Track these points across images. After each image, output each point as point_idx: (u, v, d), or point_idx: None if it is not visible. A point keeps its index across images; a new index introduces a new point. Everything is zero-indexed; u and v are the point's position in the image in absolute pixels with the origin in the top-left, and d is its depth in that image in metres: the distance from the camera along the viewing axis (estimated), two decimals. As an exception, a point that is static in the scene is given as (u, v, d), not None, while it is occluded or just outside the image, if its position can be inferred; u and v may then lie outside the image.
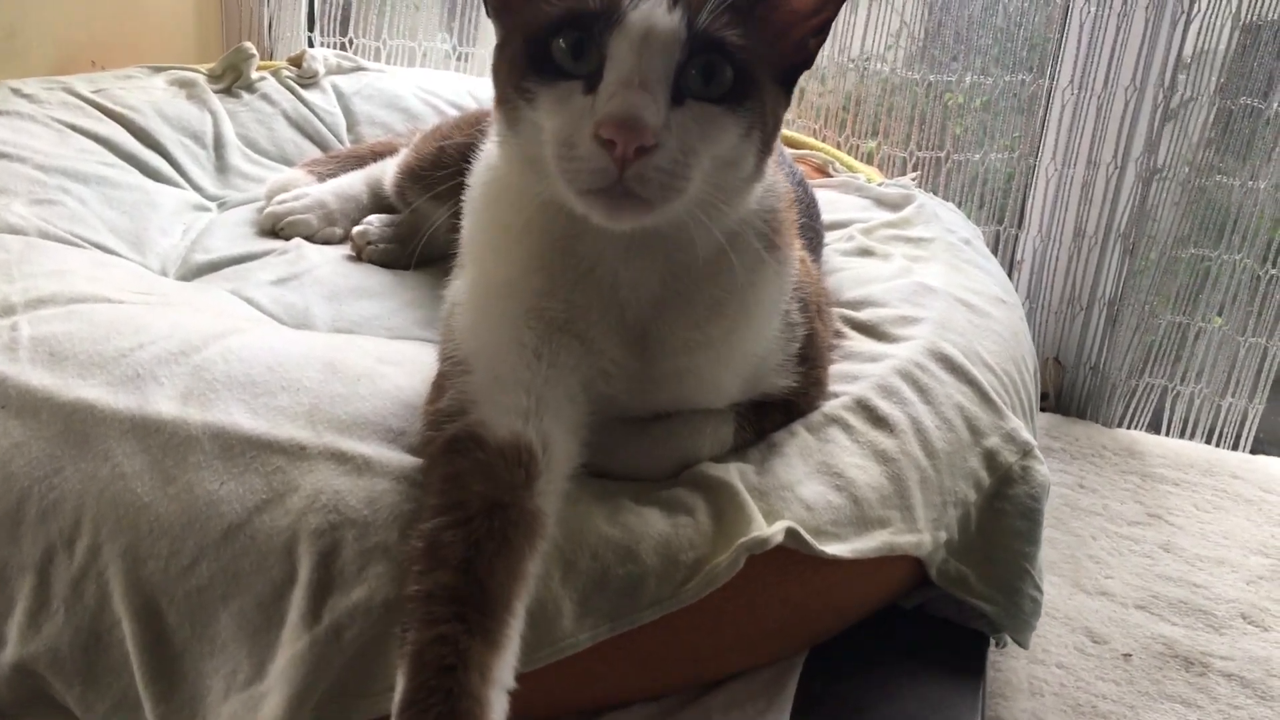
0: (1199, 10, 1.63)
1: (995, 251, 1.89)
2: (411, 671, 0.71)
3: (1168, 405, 1.92)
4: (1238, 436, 1.90)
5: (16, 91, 1.50)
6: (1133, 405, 1.92)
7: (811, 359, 1.01)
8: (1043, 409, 1.96)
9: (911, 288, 1.24)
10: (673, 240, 0.83)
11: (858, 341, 1.15)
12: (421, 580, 0.75)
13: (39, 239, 1.17)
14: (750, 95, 0.79)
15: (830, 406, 1.02)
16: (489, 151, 0.92)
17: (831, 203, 1.53)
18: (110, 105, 1.54)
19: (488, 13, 0.85)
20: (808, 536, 0.88)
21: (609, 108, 0.73)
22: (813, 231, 1.23)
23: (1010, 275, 1.92)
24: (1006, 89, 1.80)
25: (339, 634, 0.78)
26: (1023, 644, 1.05)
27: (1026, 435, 1.09)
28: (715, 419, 0.95)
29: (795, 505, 0.91)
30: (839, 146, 1.88)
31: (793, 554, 0.89)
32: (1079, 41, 1.73)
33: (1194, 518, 1.69)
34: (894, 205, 1.53)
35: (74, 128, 1.46)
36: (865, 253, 1.38)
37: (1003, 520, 1.04)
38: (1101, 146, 1.77)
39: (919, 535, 0.96)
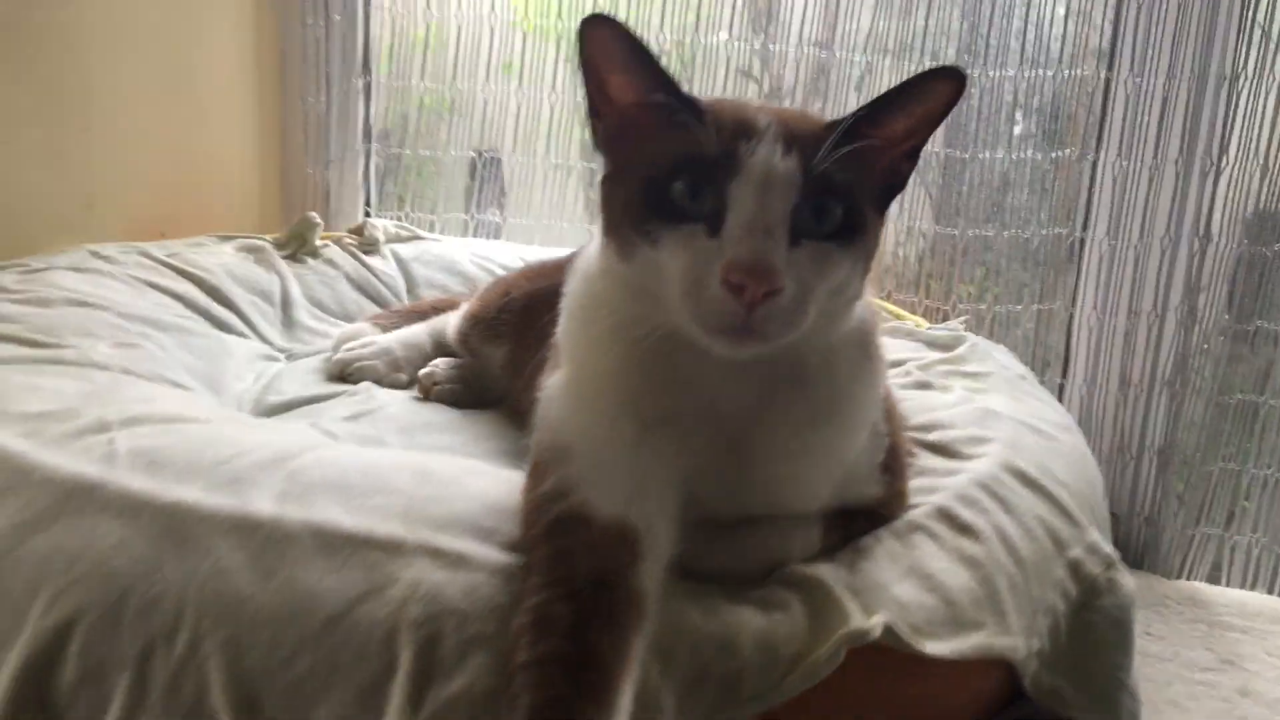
0: (1227, 162, 1.70)
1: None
2: None
3: (1226, 555, 1.90)
4: (1301, 586, 1.86)
5: (95, 254, 1.56)
6: (1190, 556, 1.90)
7: (895, 470, 1.02)
8: (1100, 563, 1.94)
9: (977, 413, 1.26)
10: (778, 359, 0.85)
11: (930, 459, 1.16)
12: (532, 650, 0.75)
13: (124, 376, 1.20)
14: (858, 229, 0.82)
15: (912, 515, 1.02)
16: (589, 262, 0.93)
17: (887, 347, 1.56)
18: (183, 266, 1.60)
19: (594, 144, 0.89)
20: (905, 633, 0.87)
21: (738, 254, 0.76)
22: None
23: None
24: (1043, 242, 1.86)
25: (441, 724, 0.77)
26: (1122, 756, 1.02)
27: (1108, 548, 1.09)
28: (804, 522, 0.95)
29: (890, 604, 0.90)
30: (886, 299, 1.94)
31: (889, 655, 0.87)
32: (1112, 195, 1.80)
33: (1268, 664, 1.64)
34: (946, 346, 1.56)
35: (150, 284, 1.51)
36: (924, 386, 1.40)
37: (1093, 632, 1.03)
38: (1141, 295, 1.81)
39: (1014, 640, 0.95)
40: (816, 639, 0.85)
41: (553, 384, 0.94)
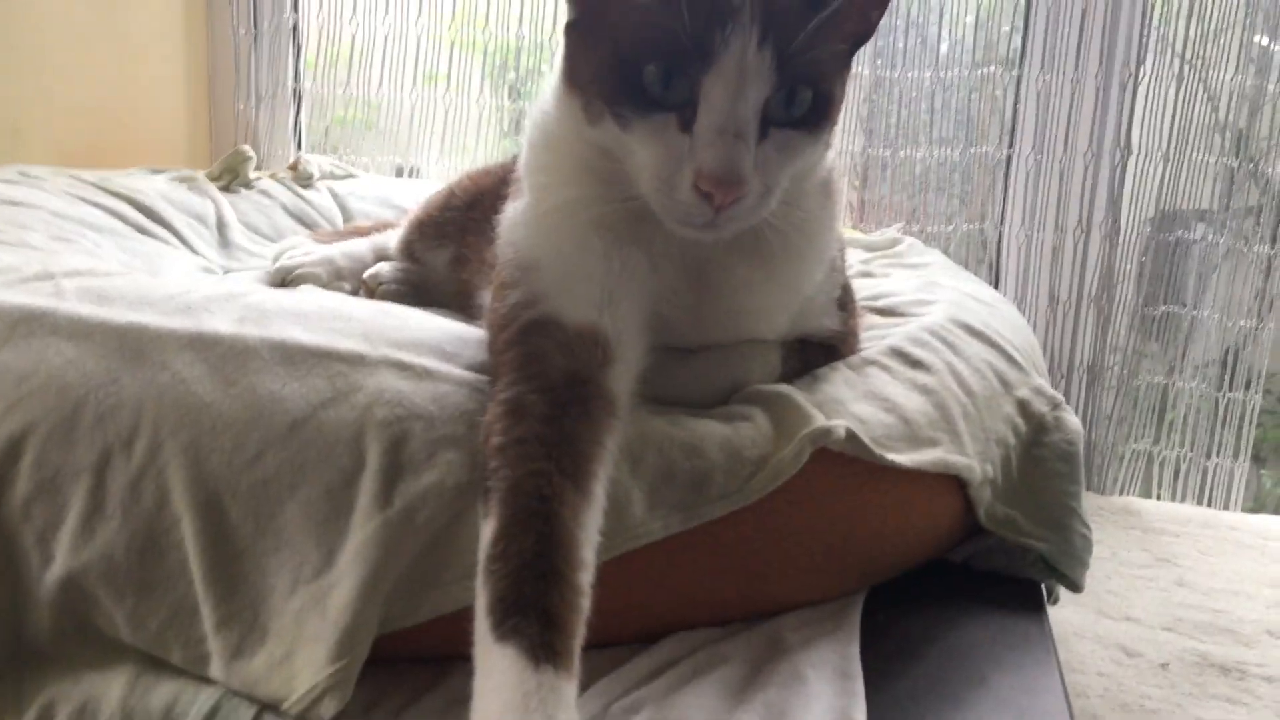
0: (1145, 74, 1.76)
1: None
2: (505, 502, 0.71)
3: (1155, 470, 1.95)
4: (1227, 497, 1.92)
5: (24, 173, 1.52)
6: (1122, 472, 1.94)
7: (848, 307, 1.04)
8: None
9: (921, 283, 1.29)
10: None
11: (879, 319, 1.18)
12: (509, 432, 0.75)
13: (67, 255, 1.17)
14: (828, 110, 0.82)
15: (865, 353, 1.04)
16: (547, 107, 0.91)
17: (842, 184, 1.59)
18: (115, 188, 1.57)
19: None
20: (867, 440, 0.88)
21: (709, 162, 0.76)
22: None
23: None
24: (972, 160, 1.90)
25: (412, 515, 0.76)
26: (1077, 583, 1.04)
27: (1053, 391, 1.11)
28: (763, 347, 0.96)
29: (849, 418, 0.91)
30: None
31: (851, 464, 0.89)
32: (1036, 111, 1.85)
33: (1201, 560, 1.69)
34: (884, 248, 1.59)
35: (82, 199, 1.48)
36: (866, 275, 1.42)
37: (1043, 465, 1.05)
38: (1066, 211, 1.86)
39: (969, 460, 0.97)
40: (780, 442, 0.86)
41: (515, 209, 0.93)
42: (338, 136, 2.16)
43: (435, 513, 0.76)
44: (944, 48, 1.88)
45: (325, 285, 1.44)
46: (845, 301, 1.03)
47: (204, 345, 0.84)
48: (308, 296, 0.97)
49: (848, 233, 1.78)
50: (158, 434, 0.79)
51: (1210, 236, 1.83)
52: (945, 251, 1.91)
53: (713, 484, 0.83)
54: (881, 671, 0.84)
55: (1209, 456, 1.91)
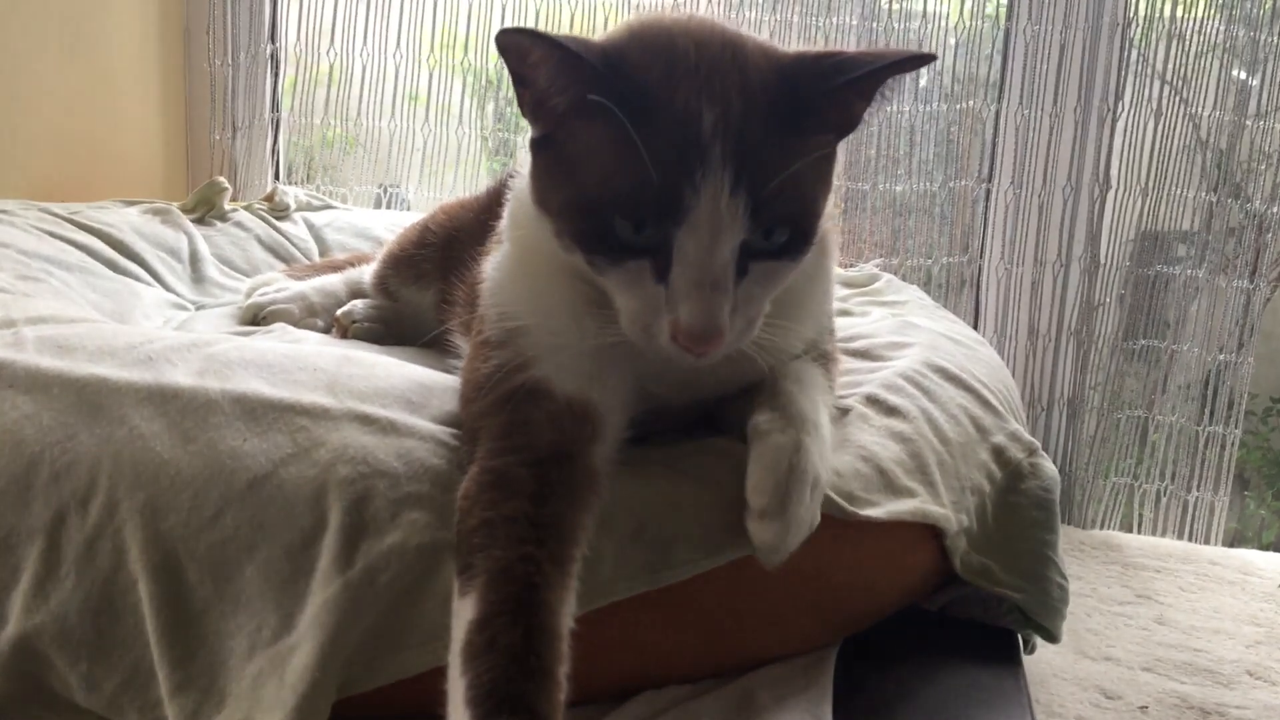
0: (1123, 109, 1.76)
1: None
2: (492, 586, 0.69)
3: (1136, 504, 1.94)
4: (1208, 530, 1.92)
5: (-7, 207, 1.50)
6: (1102, 505, 1.94)
7: (830, 356, 1.01)
8: (1015, 516, 1.97)
9: (897, 324, 1.28)
10: None
11: (854, 363, 1.17)
12: (497, 508, 0.73)
13: (30, 299, 1.16)
14: (807, 234, 0.79)
15: (844, 400, 1.02)
16: (526, 196, 0.86)
17: (835, 240, 1.59)
18: (86, 222, 1.55)
19: (522, 111, 0.81)
20: (838, 499, 0.87)
21: (685, 318, 0.73)
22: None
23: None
24: (951, 194, 1.90)
25: (373, 577, 0.74)
26: (1054, 634, 1.03)
27: (1029, 437, 1.11)
28: None
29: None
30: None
31: (824, 521, 0.87)
32: (1015, 145, 1.85)
33: (1181, 597, 1.69)
34: (862, 284, 1.58)
35: (53, 234, 1.46)
36: (844, 314, 1.42)
37: (1019, 512, 1.04)
38: (1045, 245, 1.86)
39: (945, 510, 0.96)
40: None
41: (497, 262, 0.91)
42: (317, 163, 2.16)
43: (398, 574, 0.75)
44: (923, 80, 1.88)
45: (298, 322, 1.42)
46: (829, 353, 1.01)
47: (163, 399, 0.82)
48: (272, 345, 0.96)
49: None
50: (114, 492, 0.78)
51: (1189, 270, 1.83)
52: (926, 284, 1.91)
53: (680, 547, 0.82)
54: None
55: (1189, 490, 1.91)
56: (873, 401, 1.03)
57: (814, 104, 0.77)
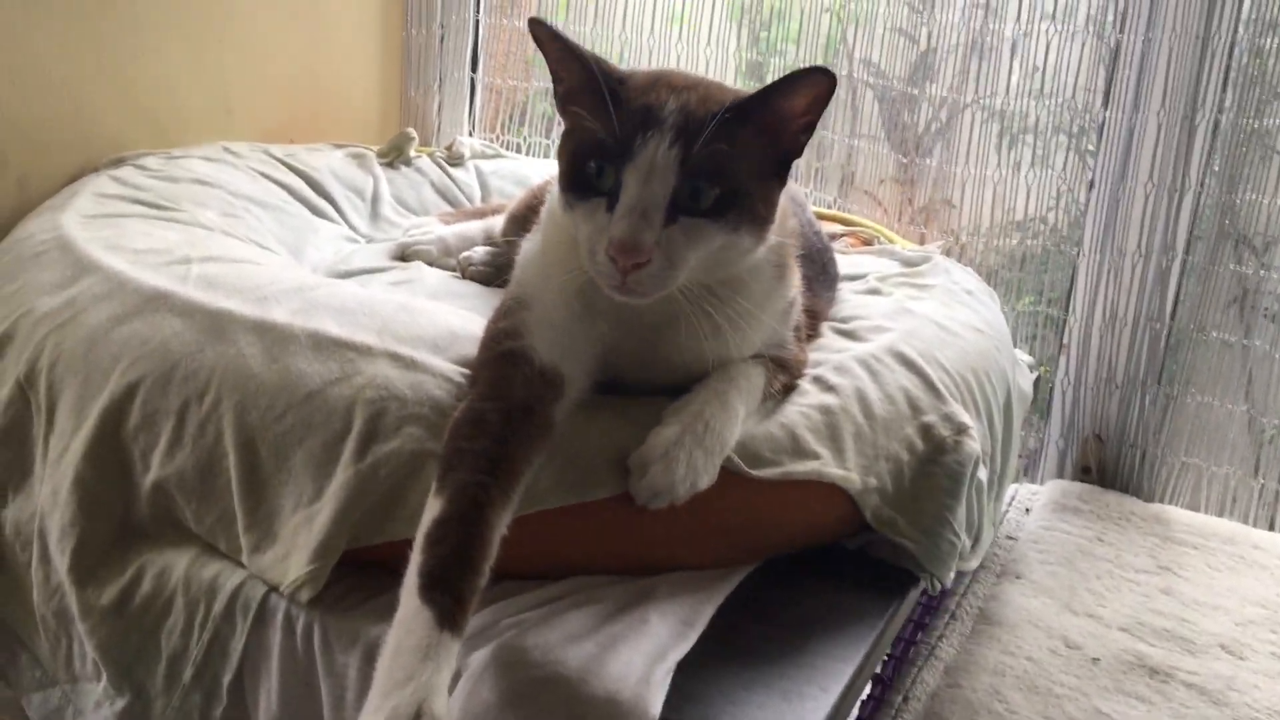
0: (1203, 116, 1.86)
1: (1038, 334, 2.11)
2: (451, 500, 0.97)
3: (1204, 485, 2.05)
4: (1271, 519, 2.01)
5: (227, 149, 1.92)
6: (1170, 483, 2.06)
7: (799, 336, 1.28)
8: (1086, 482, 2.13)
9: (894, 310, 1.49)
10: (691, 286, 1.09)
11: (835, 340, 1.40)
12: (470, 442, 1.02)
13: (220, 235, 1.56)
14: (734, 205, 1.04)
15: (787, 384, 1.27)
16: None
17: (863, 263, 1.80)
18: (295, 164, 1.96)
19: (557, 106, 1.15)
20: (737, 460, 1.12)
21: (614, 231, 1.01)
22: (810, 261, 1.48)
23: (1058, 357, 2.13)
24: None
25: (376, 470, 1.07)
26: (942, 580, 1.25)
27: (965, 418, 1.31)
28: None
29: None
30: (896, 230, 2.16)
31: (727, 475, 1.13)
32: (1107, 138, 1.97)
33: (1203, 573, 1.81)
34: (914, 263, 1.78)
35: (264, 175, 1.87)
36: (873, 292, 1.64)
37: (932, 479, 1.26)
38: (1126, 236, 1.98)
39: (847, 473, 1.19)
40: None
41: (529, 243, 1.24)
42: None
43: (394, 470, 1.07)
44: (1014, 79, 2.02)
45: (434, 261, 1.78)
46: (795, 336, 1.27)
47: (263, 330, 1.18)
48: (355, 291, 1.30)
49: (903, 243, 1.97)
50: (220, 391, 1.14)
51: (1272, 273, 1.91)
52: (1011, 261, 2.07)
53: (604, 474, 1.10)
54: (734, 627, 1.10)
55: (1256, 475, 2.00)
56: (817, 380, 1.27)
57: (755, 111, 1.05)
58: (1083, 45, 2.00)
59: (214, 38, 2.00)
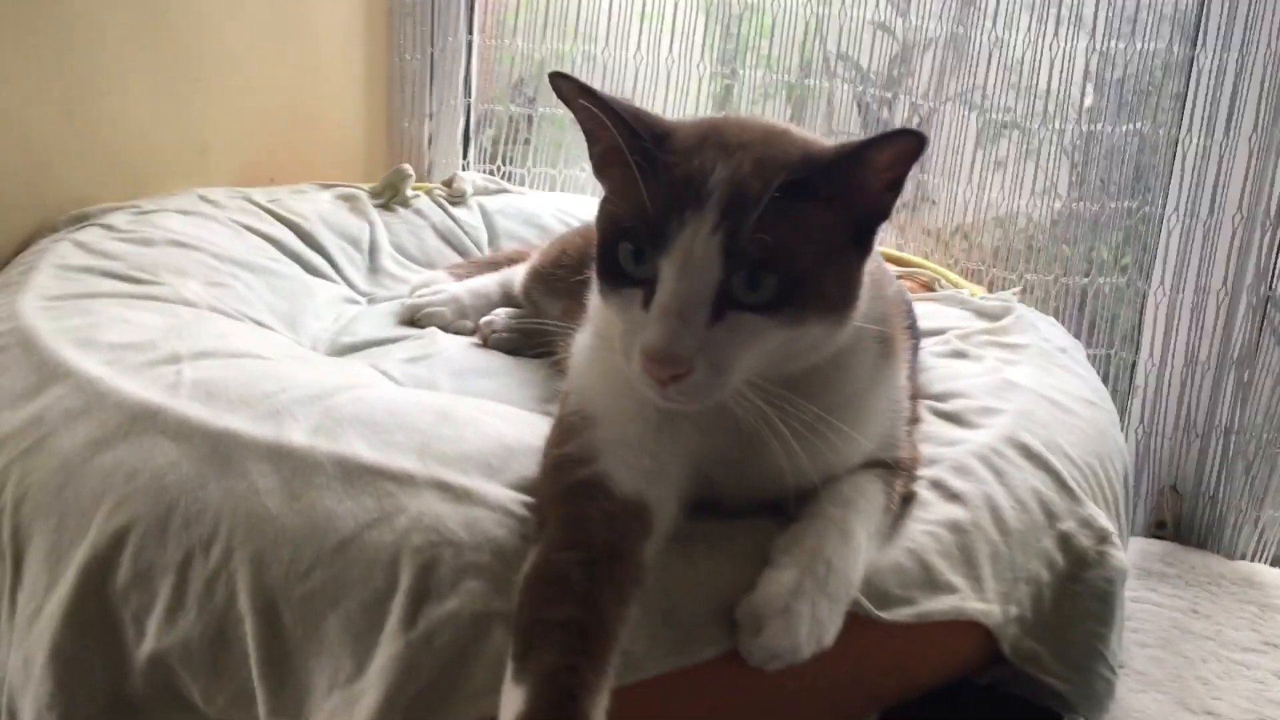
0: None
1: (1109, 376, 1.93)
2: (539, 689, 0.78)
3: (1291, 539, 1.89)
4: (1368, 576, 1.84)
5: (204, 198, 1.70)
6: (1253, 537, 1.89)
7: (911, 433, 1.07)
8: (1160, 537, 1.95)
9: (997, 384, 1.30)
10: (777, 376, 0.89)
11: (940, 426, 1.21)
12: (552, 610, 0.82)
13: (209, 313, 1.33)
14: (797, 293, 0.84)
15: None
16: None
17: (933, 314, 1.60)
18: (281, 212, 1.74)
19: (594, 170, 0.96)
20: (866, 602, 0.93)
21: (646, 339, 0.82)
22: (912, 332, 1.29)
23: (1129, 401, 1.95)
24: (1114, 214, 1.86)
25: (431, 640, 0.86)
26: (1095, 721, 1.06)
27: (1105, 523, 1.12)
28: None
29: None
30: (950, 268, 1.96)
31: (855, 618, 0.93)
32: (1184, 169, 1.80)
33: (1314, 649, 1.64)
34: (993, 316, 1.59)
35: (248, 228, 1.65)
36: (959, 355, 1.44)
37: (1077, 602, 1.07)
38: (1211, 273, 1.80)
39: (988, 605, 1.00)
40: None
41: (581, 342, 1.02)
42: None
43: (453, 638, 0.86)
44: (1088, 100, 1.83)
45: (449, 324, 1.57)
46: (900, 459, 1.05)
47: (279, 457, 0.97)
48: (385, 397, 1.09)
49: (969, 287, 1.78)
50: (231, 540, 0.92)
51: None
52: (1081, 304, 1.89)
53: (708, 629, 0.90)
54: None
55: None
56: (936, 486, 1.08)
57: (822, 180, 0.84)
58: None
59: (184, 70, 1.77)
